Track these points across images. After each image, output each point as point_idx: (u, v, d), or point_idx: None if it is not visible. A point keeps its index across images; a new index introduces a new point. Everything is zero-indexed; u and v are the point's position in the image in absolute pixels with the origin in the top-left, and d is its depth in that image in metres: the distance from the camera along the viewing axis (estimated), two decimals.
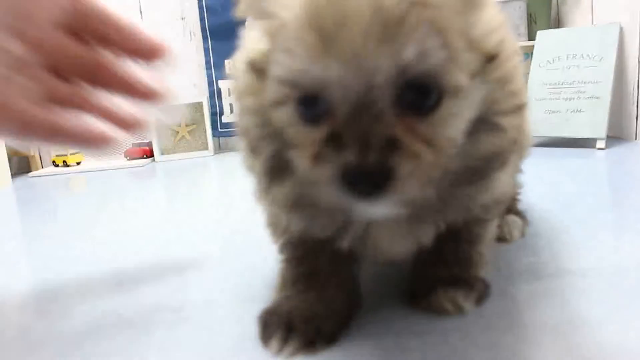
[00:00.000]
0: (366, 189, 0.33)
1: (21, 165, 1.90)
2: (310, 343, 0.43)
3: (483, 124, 0.38)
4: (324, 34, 0.31)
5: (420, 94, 0.33)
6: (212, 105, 1.88)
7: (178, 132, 1.87)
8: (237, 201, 1.06)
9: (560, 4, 1.80)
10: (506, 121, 0.39)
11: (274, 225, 0.50)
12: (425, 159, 0.33)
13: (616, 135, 1.41)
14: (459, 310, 0.47)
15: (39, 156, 1.94)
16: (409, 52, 0.31)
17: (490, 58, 0.36)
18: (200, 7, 1.83)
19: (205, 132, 1.86)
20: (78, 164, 1.85)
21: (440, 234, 0.44)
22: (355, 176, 0.32)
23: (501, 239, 0.63)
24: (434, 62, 0.32)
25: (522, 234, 0.66)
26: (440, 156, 0.35)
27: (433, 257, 0.48)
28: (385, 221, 0.39)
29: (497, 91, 0.38)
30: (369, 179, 0.32)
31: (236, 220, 0.90)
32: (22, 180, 1.73)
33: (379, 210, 0.36)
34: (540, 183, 0.94)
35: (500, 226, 0.62)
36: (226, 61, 1.85)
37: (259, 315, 0.46)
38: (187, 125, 1.87)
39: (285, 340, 0.43)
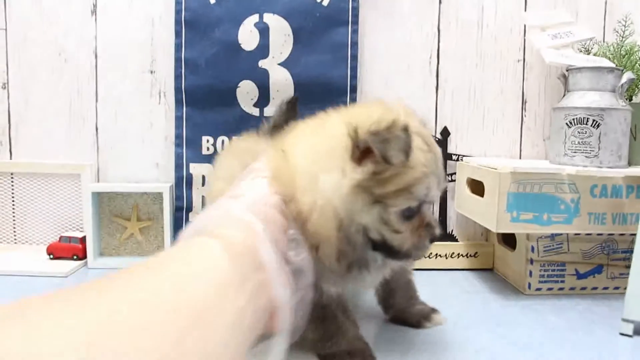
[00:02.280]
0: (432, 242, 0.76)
1: None
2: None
3: None
4: (437, 178, 0.73)
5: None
6: (178, 197, 1.37)
7: (127, 227, 1.37)
8: None
9: None
10: None
11: None
12: None
13: None
14: (427, 322, 0.99)
15: None
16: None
17: None
18: (177, 60, 1.34)
19: (162, 231, 1.37)
20: None
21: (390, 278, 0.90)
22: (434, 239, 0.76)
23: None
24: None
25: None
26: None
27: (394, 292, 1.00)
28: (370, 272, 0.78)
29: None
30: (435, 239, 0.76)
31: None
32: None
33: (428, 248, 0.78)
34: None
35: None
36: (204, 138, 1.36)
37: (329, 357, 0.83)
38: (139, 220, 1.37)
39: None
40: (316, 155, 0.71)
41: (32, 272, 1.25)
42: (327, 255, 0.71)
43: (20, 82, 1.40)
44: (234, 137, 1.31)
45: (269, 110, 1.34)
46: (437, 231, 0.76)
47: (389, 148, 0.65)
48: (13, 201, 1.42)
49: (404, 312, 1.00)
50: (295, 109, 1.19)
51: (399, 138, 0.65)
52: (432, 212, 0.85)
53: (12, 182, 1.41)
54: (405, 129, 0.66)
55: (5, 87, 1.39)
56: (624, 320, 0.97)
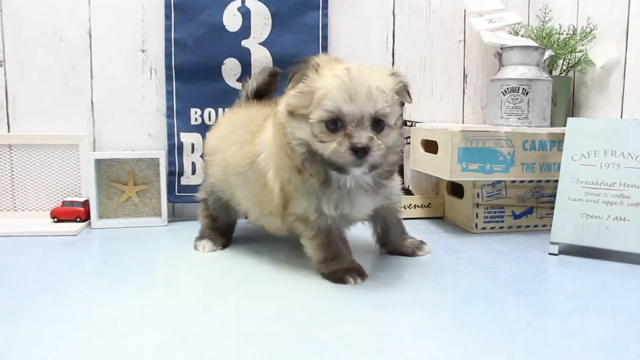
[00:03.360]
0: (359, 155, 0.95)
1: None
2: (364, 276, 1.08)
3: (391, 151, 1.07)
4: (348, 94, 0.97)
5: (378, 123, 1.00)
6: (170, 163, 1.56)
7: (124, 191, 1.54)
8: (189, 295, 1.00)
9: (576, 85, 1.67)
10: (398, 150, 1.11)
11: (306, 221, 1.10)
12: (381, 147, 0.98)
13: None
14: (420, 251, 1.26)
15: None
16: (376, 106, 0.98)
17: (400, 121, 1.10)
18: (167, 40, 1.53)
19: (158, 195, 1.55)
20: None
21: (383, 218, 1.24)
22: (356, 149, 0.95)
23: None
24: (384, 111, 0.99)
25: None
26: (385, 149, 1.00)
27: (389, 229, 1.25)
28: (360, 197, 1.08)
29: (397, 137, 1.09)
30: (361, 151, 0.95)
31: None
32: None
33: (359, 169, 1.00)
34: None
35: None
36: (192, 110, 1.55)
37: (332, 273, 1.08)
38: (135, 185, 1.54)
39: (361, 278, 1.06)
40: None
41: (42, 233, 1.41)
42: (292, 170, 1.06)
43: (16, 60, 1.53)
44: (226, 109, 1.51)
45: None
46: (358, 141, 0.95)
47: (291, 76, 1.02)
48: (12, 171, 1.55)
49: (399, 246, 1.26)
50: (276, 81, 1.41)
51: (296, 69, 1.02)
52: (369, 135, 0.96)
53: (10, 153, 1.54)
54: (302, 62, 1.03)
55: (1, 65, 1.52)
56: (552, 242, 1.26)
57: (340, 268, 1.08)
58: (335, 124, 0.97)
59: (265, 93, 1.39)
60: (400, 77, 1.06)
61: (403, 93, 1.07)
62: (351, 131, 0.96)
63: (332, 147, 0.97)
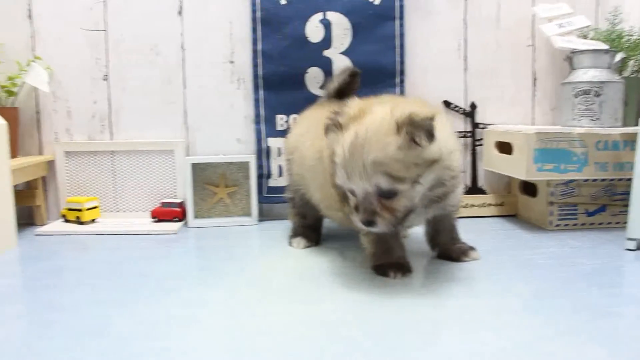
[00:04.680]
0: (366, 226, 1.02)
1: (23, 216, 1.66)
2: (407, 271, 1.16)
3: (437, 184, 1.05)
4: (346, 173, 1.01)
5: (386, 193, 0.99)
6: (259, 166, 1.70)
7: (216, 193, 1.68)
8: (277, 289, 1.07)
9: None
10: (447, 183, 1.07)
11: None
12: (387, 217, 1.00)
13: None
14: (465, 256, 1.27)
15: (45, 207, 1.71)
16: (373, 184, 0.98)
17: (434, 161, 1.00)
18: (254, 52, 1.67)
19: (248, 196, 1.69)
20: (93, 221, 1.64)
21: (436, 221, 1.26)
22: (363, 222, 1.02)
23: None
24: (384, 187, 0.98)
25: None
26: (396, 214, 1.01)
27: (439, 233, 1.29)
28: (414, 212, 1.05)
29: (441, 172, 1.03)
30: (365, 223, 1.02)
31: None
32: (27, 239, 1.50)
33: (374, 231, 1.04)
34: None
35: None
36: (278, 116, 1.69)
37: (377, 266, 1.18)
38: (226, 187, 1.69)
39: (402, 273, 1.15)
40: None
41: (146, 231, 1.57)
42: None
43: (118, 74, 1.70)
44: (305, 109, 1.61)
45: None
46: (362, 217, 1.01)
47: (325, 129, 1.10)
48: (114, 176, 1.71)
49: (447, 249, 1.29)
50: (356, 81, 1.49)
51: (327, 124, 1.09)
52: (372, 203, 0.99)
53: (112, 159, 1.71)
54: (334, 115, 1.07)
55: (106, 79, 1.69)
56: (628, 239, 1.34)
57: (385, 262, 1.17)
58: (351, 192, 1.04)
59: (346, 92, 1.47)
60: (408, 126, 0.96)
61: (417, 139, 0.96)
62: (359, 203, 1.02)
63: (353, 212, 1.05)
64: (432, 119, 0.96)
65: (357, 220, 1.03)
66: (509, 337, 0.83)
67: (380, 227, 1.01)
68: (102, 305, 1.00)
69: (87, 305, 0.99)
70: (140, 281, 1.14)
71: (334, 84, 1.49)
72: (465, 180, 1.78)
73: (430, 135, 0.97)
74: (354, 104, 1.06)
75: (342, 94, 1.47)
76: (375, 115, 1.01)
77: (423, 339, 0.83)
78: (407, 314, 0.94)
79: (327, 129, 1.07)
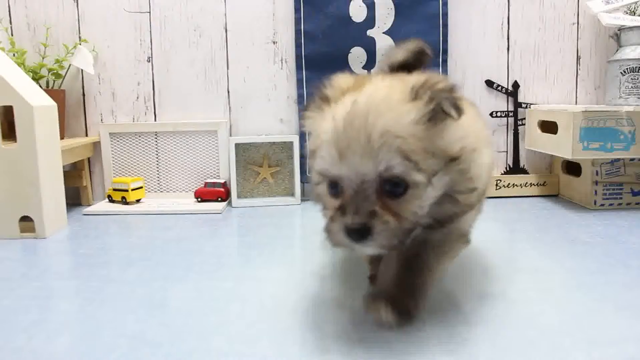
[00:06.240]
0: (354, 238, 0.67)
1: (69, 196, 1.72)
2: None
3: (447, 197, 0.73)
4: (338, 150, 0.67)
5: (393, 186, 0.67)
6: (302, 146, 1.74)
7: (260, 173, 1.73)
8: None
9: None
10: (461, 198, 0.75)
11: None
12: (392, 224, 0.67)
13: None
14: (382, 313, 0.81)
15: (90, 187, 1.77)
16: (380, 166, 0.66)
17: (453, 159, 0.70)
18: (298, 32, 1.70)
19: (291, 176, 1.73)
20: (138, 201, 1.69)
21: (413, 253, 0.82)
22: (349, 231, 0.67)
23: None
24: (397, 171, 0.66)
25: None
26: (403, 222, 0.68)
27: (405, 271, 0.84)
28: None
29: (458, 178, 0.72)
30: (355, 233, 0.66)
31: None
32: (76, 218, 1.56)
33: (366, 250, 0.70)
34: None
35: None
36: None
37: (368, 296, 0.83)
38: (270, 167, 1.73)
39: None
40: None
41: (191, 211, 1.62)
42: None
43: (161, 56, 1.74)
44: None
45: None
46: (352, 221, 0.66)
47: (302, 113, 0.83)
48: (157, 156, 1.77)
49: (389, 290, 0.86)
50: (425, 56, 1.07)
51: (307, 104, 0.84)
52: (368, 199, 0.67)
53: (156, 140, 1.76)
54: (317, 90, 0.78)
55: (149, 61, 1.74)
56: None
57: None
58: (334, 187, 0.72)
59: (410, 70, 1.03)
60: (431, 92, 0.69)
61: (445, 107, 0.69)
62: (347, 201, 0.68)
63: (328, 218, 0.71)
64: (453, 89, 0.70)
65: (338, 230, 0.68)
66: (567, 311, 0.87)
67: (378, 239, 0.67)
68: (156, 280, 1.05)
69: (141, 281, 1.04)
70: (190, 258, 1.19)
71: (400, 55, 1.06)
72: (507, 160, 1.80)
73: (457, 108, 0.69)
74: (344, 77, 0.81)
75: (406, 69, 1.05)
76: (379, 84, 0.75)
77: (481, 313, 0.87)
78: (461, 285, 0.98)
79: (308, 106, 0.79)
